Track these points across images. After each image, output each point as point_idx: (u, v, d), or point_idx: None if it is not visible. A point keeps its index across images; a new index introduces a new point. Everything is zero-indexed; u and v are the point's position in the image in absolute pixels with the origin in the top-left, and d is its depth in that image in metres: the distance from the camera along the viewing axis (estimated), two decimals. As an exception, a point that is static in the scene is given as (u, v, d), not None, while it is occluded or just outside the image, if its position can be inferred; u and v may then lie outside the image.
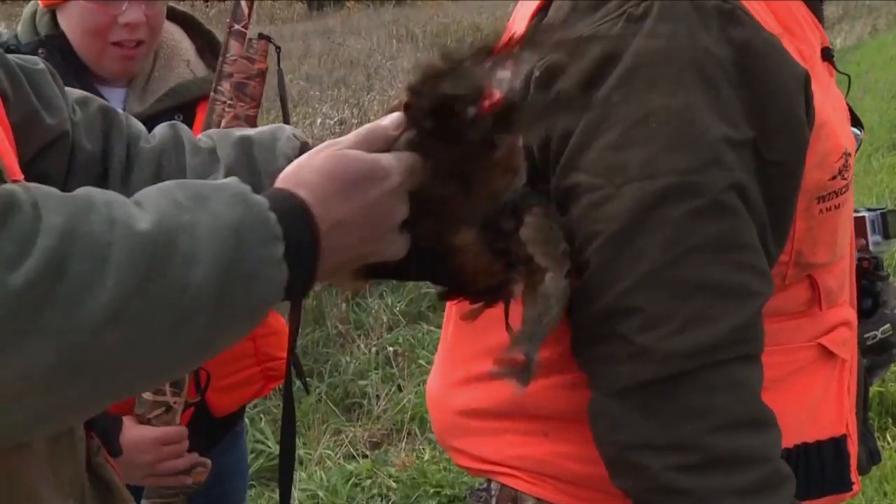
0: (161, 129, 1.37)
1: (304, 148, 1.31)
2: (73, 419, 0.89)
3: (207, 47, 2.08)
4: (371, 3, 22.29)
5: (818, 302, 1.32)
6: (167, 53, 2.01)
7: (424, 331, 4.80)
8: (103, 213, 0.79)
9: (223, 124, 1.71)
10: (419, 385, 4.19)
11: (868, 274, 1.50)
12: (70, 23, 1.87)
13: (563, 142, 1.18)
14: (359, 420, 4.06)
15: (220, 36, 1.96)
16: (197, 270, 0.80)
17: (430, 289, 5.18)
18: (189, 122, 1.93)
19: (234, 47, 1.71)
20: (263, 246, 0.85)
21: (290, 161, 1.18)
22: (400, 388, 4.23)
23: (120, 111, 1.38)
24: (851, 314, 1.39)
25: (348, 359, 4.48)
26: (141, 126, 1.37)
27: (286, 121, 1.83)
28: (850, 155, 1.28)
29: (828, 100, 1.25)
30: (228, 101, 1.72)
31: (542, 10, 1.26)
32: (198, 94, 1.97)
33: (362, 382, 4.30)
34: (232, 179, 0.91)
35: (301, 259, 0.89)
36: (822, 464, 1.33)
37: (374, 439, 3.91)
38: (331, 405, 4.12)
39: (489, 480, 1.43)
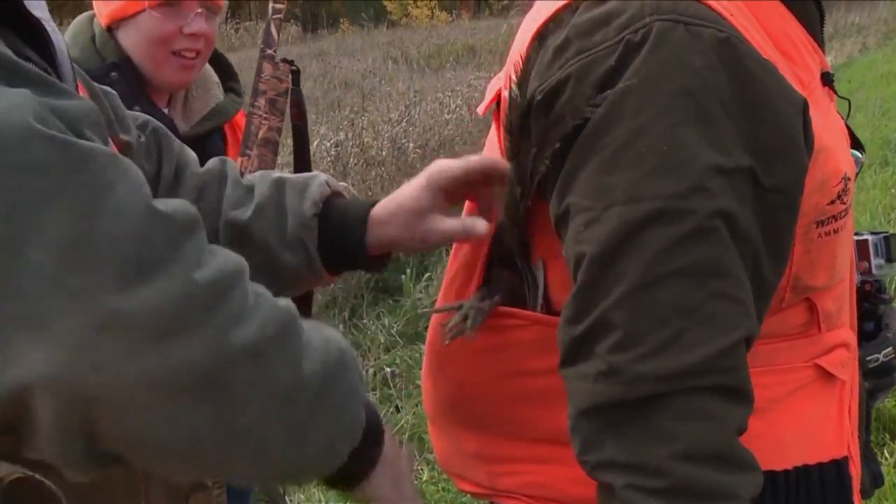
0: (212, 161, 1.43)
1: (333, 197, 1.36)
2: (181, 460, 0.93)
3: (221, 70, 2.24)
4: (365, 25, 22.41)
5: (817, 324, 1.32)
6: (201, 76, 2.15)
7: (422, 351, 4.76)
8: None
9: (260, 135, 1.89)
10: (417, 406, 4.19)
11: (870, 297, 1.49)
12: (135, 35, 1.99)
13: (559, 160, 1.18)
14: None
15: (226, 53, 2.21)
16: (309, 361, 0.95)
17: (427, 308, 5.20)
18: (222, 139, 2.15)
19: (267, 69, 1.87)
20: (353, 394, 1.02)
21: (316, 206, 1.34)
22: (398, 409, 4.24)
23: (175, 138, 1.46)
24: (851, 336, 1.38)
25: None
26: (193, 155, 1.44)
27: (303, 141, 1.98)
28: (849, 179, 1.27)
29: (827, 124, 1.25)
30: (264, 115, 1.88)
31: (541, 32, 1.26)
32: (231, 113, 2.15)
33: None
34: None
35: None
36: (823, 486, 1.32)
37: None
38: None
39: (491, 503, 1.45)
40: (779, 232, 1.18)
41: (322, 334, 1.00)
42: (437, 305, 1.49)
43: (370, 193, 5.89)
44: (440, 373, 1.48)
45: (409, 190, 1.35)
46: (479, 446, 1.43)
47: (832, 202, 1.24)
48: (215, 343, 0.83)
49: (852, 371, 1.38)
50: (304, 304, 1.93)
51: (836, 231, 1.26)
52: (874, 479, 1.48)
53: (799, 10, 1.29)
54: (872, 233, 1.52)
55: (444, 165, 1.34)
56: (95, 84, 1.30)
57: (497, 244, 1.37)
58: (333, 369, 0.97)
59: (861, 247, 1.49)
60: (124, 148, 1.31)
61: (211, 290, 0.84)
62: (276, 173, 1.41)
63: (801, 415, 1.30)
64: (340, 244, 1.35)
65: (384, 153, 6.39)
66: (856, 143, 1.39)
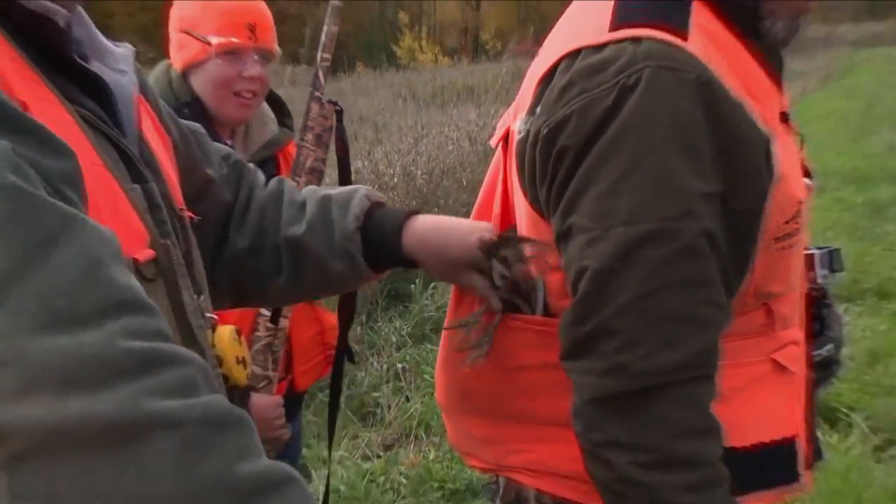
0: (272, 182, 1.44)
1: (373, 208, 1.36)
2: None
3: (275, 107, 2.27)
4: (378, 67, 22.25)
5: (773, 325, 1.33)
6: (259, 113, 2.18)
7: (428, 350, 4.76)
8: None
9: (307, 164, 1.93)
10: (424, 396, 4.18)
11: (817, 302, 1.50)
12: (203, 79, 2.04)
13: (563, 186, 1.19)
14: (373, 426, 4.04)
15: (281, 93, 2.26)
16: (249, 464, 0.75)
17: (433, 313, 5.19)
18: (276, 165, 2.17)
19: (314, 108, 1.90)
20: None
21: (357, 220, 1.33)
22: (408, 399, 4.21)
23: (248, 164, 1.47)
24: (800, 335, 1.40)
25: (363, 374, 4.45)
26: (261, 178, 1.45)
27: (346, 169, 1.95)
28: (802, 202, 1.28)
29: (786, 156, 1.26)
30: (311, 148, 1.91)
31: (547, 77, 1.26)
32: (283, 143, 2.19)
33: (375, 394, 4.28)
34: None
35: None
36: (776, 459, 1.34)
37: (387, 442, 3.89)
38: (349, 414, 4.09)
39: (497, 476, 1.47)
40: (742, 246, 1.21)
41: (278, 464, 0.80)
42: (449, 313, 1.49)
43: None
44: (452, 369, 1.47)
45: (461, 241, 1.34)
46: (487, 431, 1.44)
47: (788, 222, 1.26)
48: (126, 404, 0.68)
49: (801, 364, 1.39)
50: (349, 302, 1.98)
51: (790, 246, 1.28)
52: (818, 454, 1.49)
53: (763, 58, 1.29)
54: (818, 248, 1.52)
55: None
56: (184, 123, 1.31)
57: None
58: (274, 488, 0.76)
59: (808, 260, 1.49)
60: (208, 182, 1.33)
61: (133, 360, 0.71)
62: (323, 191, 1.41)
63: (759, 401, 1.32)
64: (380, 251, 1.35)
65: (396, 179, 6.35)
66: (807, 173, 1.40)
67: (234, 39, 2.01)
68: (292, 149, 2.13)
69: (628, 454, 1.15)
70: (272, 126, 2.21)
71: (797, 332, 1.39)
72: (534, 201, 1.28)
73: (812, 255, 1.50)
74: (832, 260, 1.52)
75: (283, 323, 2.01)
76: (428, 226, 1.36)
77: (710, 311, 1.17)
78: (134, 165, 1.00)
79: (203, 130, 1.38)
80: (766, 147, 1.20)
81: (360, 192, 1.38)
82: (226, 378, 1.13)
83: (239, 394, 1.15)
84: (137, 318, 0.74)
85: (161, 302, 0.96)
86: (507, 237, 1.30)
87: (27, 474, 0.67)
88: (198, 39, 2.00)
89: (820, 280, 1.50)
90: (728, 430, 1.22)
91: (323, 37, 1.90)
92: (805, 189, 1.33)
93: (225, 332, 1.15)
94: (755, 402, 1.32)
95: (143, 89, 1.18)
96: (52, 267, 0.70)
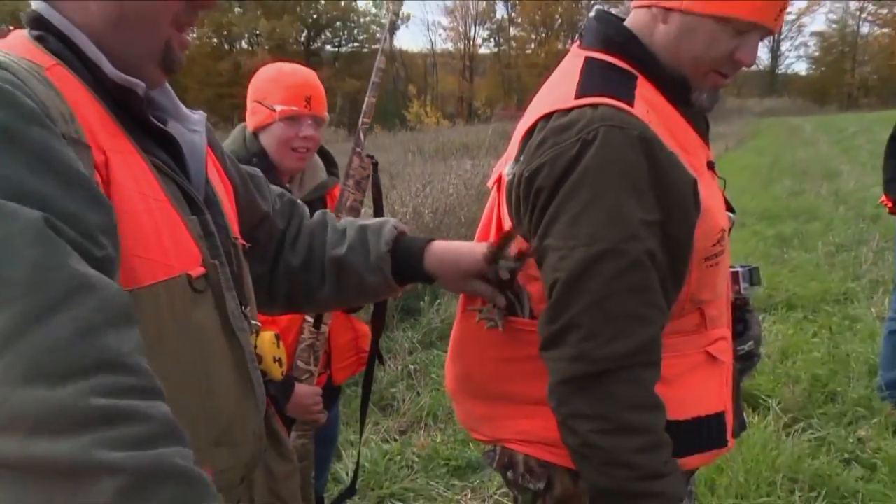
0: (318, 214, 1.45)
1: (400, 235, 1.38)
2: None
3: (325, 159, 2.27)
4: (391, 129, 22.32)
5: (705, 325, 1.34)
6: (311, 163, 2.19)
7: (434, 354, 4.68)
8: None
9: (348, 204, 1.92)
10: (432, 391, 4.12)
11: (739, 309, 1.51)
12: (269, 137, 2.07)
13: (540, 216, 1.22)
14: (390, 416, 3.96)
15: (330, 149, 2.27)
16: None
17: (438, 325, 5.11)
18: (324, 204, 2.16)
19: (355, 160, 1.90)
20: None
21: (388, 245, 1.35)
22: (418, 394, 4.12)
23: (299, 201, 1.48)
24: (727, 333, 1.41)
25: (382, 374, 4.37)
26: (307, 210, 1.46)
27: (380, 207, 2.00)
28: (725, 230, 1.31)
29: (710, 195, 1.28)
30: (351, 191, 1.90)
31: (528, 133, 1.29)
32: (330, 187, 2.19)
33: (392, 390, 4.20)
34: None
35: None
36: (709, 428, 1.35)
37: (402, 429, 3.82)
38: (371, 406, 4.04)
39: (494, 446, 1.47)
40: (678, 263, 1.22)
41: None
42: (460, 306, 1.50)
43: None
44: (459, 359, 1.50)
45: (469, 256, 1.35)
46: (485, 410, 1.45)
47: (714, 245, 1.28)
48: (81, 452, 0.65)
49: (728, 356, 1.40)
50: (381, 310, 1.98)
51: (717, 263, 1.30)
52: (742, 426, 1.50)
53: (692, 121, 1.33)
54: (742, 266, 1.53)
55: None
56: (245, 169, 1.32)
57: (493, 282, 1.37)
58: None
59: (733, 276, 1.50)
60: (263, 215, 1.33)
61: (97, 414, 0.67)
62: (359, 221, 1.43)
63: (695, 384, 1.33)
64: (407, 269, 1.36)
65: (408, 217, 6.31)
66: (730, 208, 1.41)
67: (294, 108, 2.04)
68: (336, 192, 2.15)
69: (590, 423, 1.18)
70: (321, 173, 2.22)
71: (725, 331, 1.40)
72: (518, 227, 1.31)
73: (737, 272, 1.51)
74: (752, 276, 1.54)
75: (324, 328, 2.01)
76: (443, 247, 1.37)
77: (653, 312, 1.19)
78: (194, 202, 1.00)
79: (261, 175, 1.38)
80: (693, 187, 1.22)
81: (390, 223, 1.39)
82: (264, 373, 1.13)
83: (276, 384, 1.16)
84: (115, 378, 0.70)
85: (209, 309, 0.98)
86: (504, 236, 1.31)
87: None
88: (266, 107, 2.05)
89: (743, 291, 1.52)
90: (671, 406, 1.24)
91: (364, 105, 1.92)
92: (727, 220, 1.35)
93: (266, 336, 1.16)
94: (692, 384, 1.33)
95: (212, 144, 1.18)
96: (48, 331, 0.67)
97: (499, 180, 1.40)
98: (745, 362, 1.52)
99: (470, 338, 1.45)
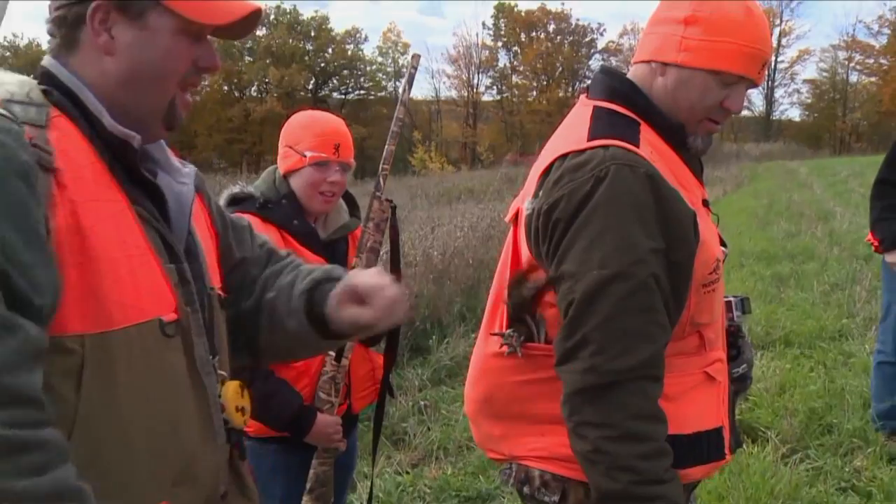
0: (296, 260, 1.37)
1: (328, 280, 1.26)
2: None
3: (349, 202, 2.29)
4: (397, 173, 22.47)
5: (704, 346, 1.45)
6: (337, 205, 2.22)
7: (443, 391, 4.72)
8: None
9: (368, 245, 1.99)
10: (442, 426, 4.15)
11: (733, 335, 1.60)
12: (299, 180, 2.10)
13: (557, 244, 1.34)
14: (402, 449, 3.97)
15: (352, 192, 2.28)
16: None
17: (447, 363, 5.14)
18: (346, 244, 2.20)
19: (375, 204, 1.98)
20: None
21: (307, 285, 1.23)
22: (429, 428, 4.15)
23: (279, 249, 1.40)
24: (723, 355, 1.52)
25: (394, 409, 4.38)
26: (294, 258, 1.38)
27: (396, 248, 2.06)
28: (719, 260, 1.44)
29: (707, 228, 1.42)
30: (371, 233, 1.98)
31: (546, 172, 1.41)
32: (353, 228, 2.21)
33: (404, 424, 4.22)
34: None
35: None
36: (709, 442, 1.44)
37: (413, 462, 3.83)
38: (384, 439, 4.01)
39: (511, 463, 1.53)
40: (679, 287, 1.34)
41: None
42: (482, 333, 1.58)
43: (411, 283, 5.80)
44: (479, 382, 1.58)
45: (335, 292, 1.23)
46: (503, 430, 1.53)
47: (710, 273, 1.40)
48: None
49: (725, 376, 1.50)
50: (393, 345, 2.03)
51: (713, 290, 1.42)
52: (738, 443, 1.59)
53: (688, 162, 1.47)
54: (734, 296, 1.64)
55: (357, 278, 1.22)
56: (231, 218, 1.33)
57: (514, 306, 1.47)
58: None
59: (727, 304, 1.60)
60: (239, 261, 1.30)
61: (2, 445, 0.76)
62: (326, 267, 1.31)
63: (696, 401, 1.43)
64: (322, 315, 1.23)
65: (418, 259, 6.37)
66: (722, 242, 1.53)
67: (323, 155, 2.08)
68: (359, 232, 2.19)
69: (598, 430, 1.29)
70: (345, 215, 2.25)
71: (721, 353, 1.51)
72: (536, 256, 1.42)
73: (730, 301, 1.62)
74: (744, 305, 1.64)
75: (344, 362, 2.05)
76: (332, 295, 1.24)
77: (657, 330, 1.31)
78: (173, 251, 1.05)
79: (246, 224, 1.37)
80: (693, 219, 1.35)
81: (338, 269, 1.30)
82: (226, 421, 1.12)
83: (236, 433, 1.16)
84: (23, 411, 0.79)
85: (177, 352, 1.02)
86: (520, 274, 1.44)
87: None
88: (297, 153, 2.10)
89: (736, 319, 1.62)
90: (674, 421, 1.34)
91: (384, 153, 2.00)
92: (721, 252, 1.47)
93: (230, 386, 1.14)
94: (693, 401, 1.43)
95: (202, 194, 1.22)
96: None
97: (516, 215, 1.53)
98: (740, 384, 1.61)
99: (490, 362, 1.54)
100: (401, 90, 2.01)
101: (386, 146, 2.01)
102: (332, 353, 2.04)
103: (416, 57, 2.03)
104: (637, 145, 1.35)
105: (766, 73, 1.46)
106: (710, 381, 1.46)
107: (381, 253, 2.10)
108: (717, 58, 1.37)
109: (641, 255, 1.28)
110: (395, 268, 2.10)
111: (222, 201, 2.09)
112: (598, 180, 1.30)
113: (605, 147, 1.34)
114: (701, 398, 1.45)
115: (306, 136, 2.10)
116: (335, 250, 2.15)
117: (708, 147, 1.49)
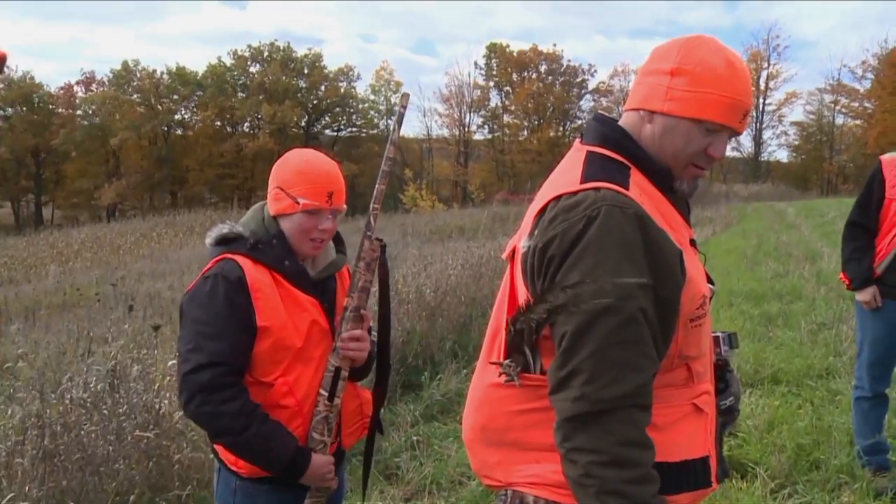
0: None
1: None
2: None
3: (337, 241, 2.26)
4: (388, 211, 22.51)
5: (692, 379, 1.51)
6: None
7: (436, 427, 4.74)
8: None
9: (359, 284, 2.02)
10: (435, 461, 4.16)
11: (720, 369, 1.67)
12: (290, 224, 2.05)
13: (552, 280, 1.41)
14: (395, 484, 3.99)
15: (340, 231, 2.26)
16: None
17: (439, 398, 5.15)
18: (335, 281, 2.18)
19: (366, 244, 2.02)
20: None
21: None
22: (421, 464, 4.16)
23: None
24: (711, 387, 1.58)
25: (387, 444, 4.41)
26: None
27: (386, 286, 2.10)
28: (706, 297, 1.51)
29: (693, 266, 1.49)
30: (363, 273, 2.03)
31: (541, 212, 1.48)
32: (340, 266, 2.20)
33: (396, 459, 4.24)
34: None
35: None
36: (696, 470, 1.50)
37: (406, 496, 3.84)
38: (377, 474, 4.05)
39: (506, 490, 1.57)
40: (667, 321, 1.41)
41: None
42: (480, 363, 1.63)
43: (404, 320, 5.89)
44: (477, 411, 1.61)
45: None
46: (499, 458, 1.56)
47: (697, 308, 1.47)
48: None
49: (711, 408, 1.56)
50: (383, 381, 2.08)
51: (700, 325, 1.49)
52: (724, 472, 1.64)
53: (676, 203, 1.56)
54: (722, 332, 1.70)
55: None
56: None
57: (514, 338, 1.52)
58: None
59: (715, 340, 1.67)
60: None
61: None
62: None
63: (683, 431, 1.49)
64: None
65: (411, 296, 6.42)
66: (709, 279, 1.61)
67: (316, 203, 2.03)
68: (345, 270, 2.23)
69: (588, 455, 1.35)
70: (332, 252, 2.20)
71: (708, 386, 1.57)
72: (532, 293, 1.48)
73: (718, 336, 1.69)
74: (731, 340, 1.71)
75: (337, 401, 2.05)
76: None
77: (644, 361, 1.38)
78: None
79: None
80: (679, 257, 1.43)
81: None
82: None
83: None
84: None
85: None
86: (521, 308, 1.50)
87: None
88: (289, 197, 2.04)
89: (723, 353, 1.69)
90: (662, 450, 1.41)
91: (375, 192, 2.01)
92: (708, 289, 1.54)
93: None
94: (681, 431, 1.49)
95: None
96: None
97: (513, 253, 1.60)
98: (727, 416, 1.68)
99: (488, 391, 1.60)
100: (391, 129, 2.03)
101: (376, 185, 2.02)
102: (325, 393, 2.04)
103: (406, 96, 2.07)
104: (627, 188, 1.43)
105: (748, 121, 1.55)
106: (697, 412, 1.51)
107: (372, 291, 2.10)
108: (700, 108, 1.45)
109: (630, 290, 1.35)
110: (383, 305, 2.11)
111: (210, 240, 2.08)
112: (590, 220, 1.37)
113: (597, 189, 1.41)
114: (688, 428, 1.50)
115: (300, 181, 2.05)
116: (325, 289, 2.14)
117: (694, 190, 1.58)
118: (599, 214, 1.37)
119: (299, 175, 2.05)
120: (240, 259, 2.01)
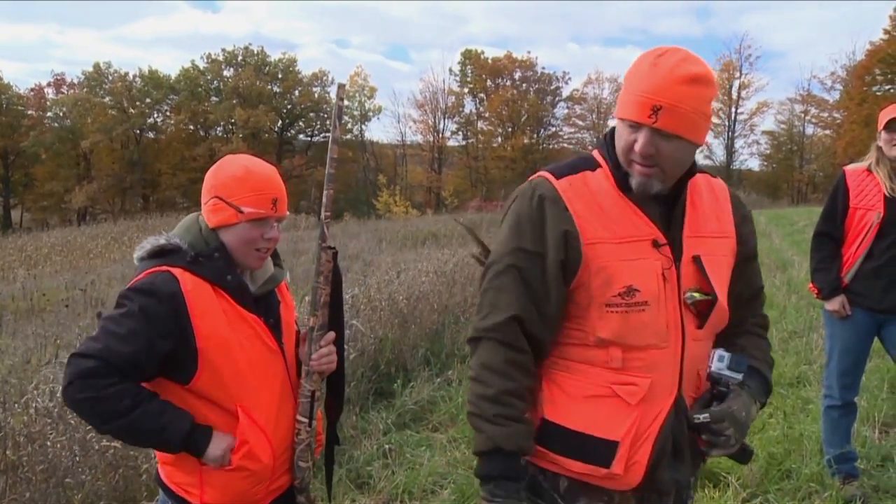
0: None
1: None
2: None
3: (273, 254, 2.16)
4: (361, 217, 22.52)
5: (617, 365, 1.63)
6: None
7: (408, 434, 4.73)
8: None
9: (322, 300, 1.99)
10: (407, 470, 4.16)
11: (713, 384, 1.71)
12: (232, 236, 1.95)
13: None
14: (367, 493, 3.98)
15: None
16: None
17: (411, 407, 5.15)
18: (275, 295, 2.09)
19: (323, 256, 1.99)
20: None
21: None
22: (393, 472, 4.16)
23: None
24: (645, 383, 1.63)
25: (359, 452, 4.41)
26: None
27: (339, 294, 2.03)
28: (636, 290, 1.60)
29: (618, 258, 1.62)
30: (323, 287, 1.99)
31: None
32: (280, 280, 2.10)
33: (368, 468, 4.23)
34: None
35: None
36: (595, 448, 1.64)
37: None
38: (348, 483, 4.04)
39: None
40: (548, 285, 1.64)
41: None
42: None
43: (377, 328, 5.87)
44: None
45: None
46: None
47: (615, 296, 1.60)
48: None
49: (648, 403, 1.64)
50: (337, 398, 2.07)
51: (625, 313, 1.60)
52: (676, 483, 1.70)
53: (640, 204, 1.66)
54: (725, 350, 1.70)
55: None
56: None
57: None
58: None
59: (710, 354, 1.71)
60: None
61: None
62: None
63: (593, 408, 1.65)
64: None
65: (383, 303, 6.41)
66: (703, 289, 1.67)
67: (262, 212, 1.94)
68: (284, 285, 2.15)
69: (471, 370, 1.70)
70: (271, 267, 2.11)
71: (642, 380, 1.63)
72: None
73: (714, 352, 1.71)
74: (731, 361, 1.70)
75: (314, 424, 2.02)
76: None
77: (506, 302, 1.65)
78: None
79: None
80: (564, 237, 1.61)
81: None
82: None
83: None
84: None
85: None
86: None
87: None
88: (231, 207, 1.93)
89: (713, 369, 1.70)
90: (560, 411, 1.66)
91: (324, 199, 1.95)
92: (653, 281, 1.61)
93: None
94: (589, 407, 1.65)
95: None
96: None
97: None
98: (706, 434, 1.69)
99: None
100: (331, 127, 1.94)
101: (324, 191, 1.95)
102: (305, 420, 2.00)
103: (342, 87, 1.98)
104: (558, 178, 1.67)
105: (670, 118, 1.55)
106: (616, 399, 1.63)
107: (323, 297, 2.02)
108: (620, 107, 1.62)
109: (509, 251, 1.66)
110: (336, 312, 2.04)
111: (142, 252, 1.96)
112: (513, 200, 1.72)
113: (537, 178, 1.72)
114: (602, 408, 1.63)
115: (242, 190, 1.94)
116: (268, 305, 2.04)
117: (646, 189, 1.63)
118: (518, 196, 1.71)
119: (240, 182, 1.94)
120: (178, 272, 1.88)
